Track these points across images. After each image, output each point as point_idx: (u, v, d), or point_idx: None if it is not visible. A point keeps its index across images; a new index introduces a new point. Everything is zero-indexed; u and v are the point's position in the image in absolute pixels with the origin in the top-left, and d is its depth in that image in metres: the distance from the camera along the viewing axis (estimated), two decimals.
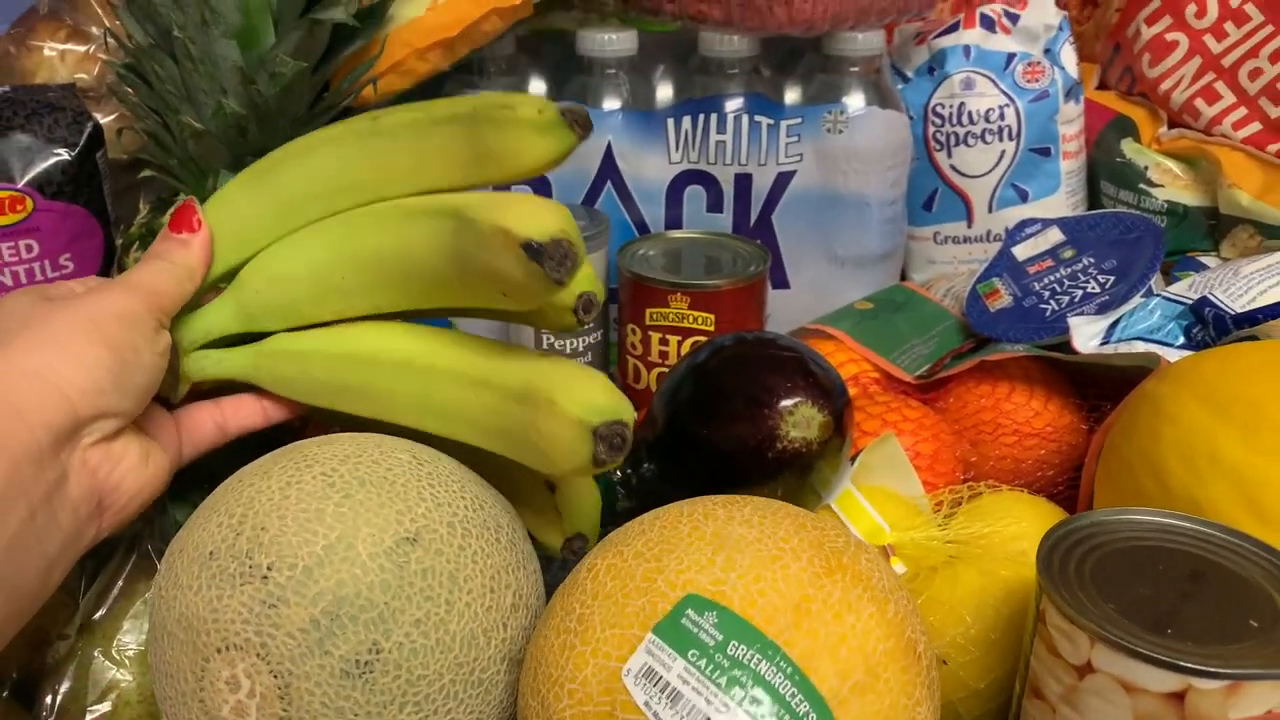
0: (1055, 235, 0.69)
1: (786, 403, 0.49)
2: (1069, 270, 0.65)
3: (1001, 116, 0.74)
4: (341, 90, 0.58)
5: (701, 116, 0.68)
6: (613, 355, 0.69)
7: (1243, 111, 0.69)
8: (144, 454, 0.42)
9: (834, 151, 0.68)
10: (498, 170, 0.45)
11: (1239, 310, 0.54)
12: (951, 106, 0.74)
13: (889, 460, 0.54)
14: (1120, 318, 0.60)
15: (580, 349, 0.67)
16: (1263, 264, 0.58)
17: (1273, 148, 0.68)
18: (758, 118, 0.68)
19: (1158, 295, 0.59)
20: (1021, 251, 0.69)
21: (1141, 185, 0.73)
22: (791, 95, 0.69)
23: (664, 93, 0.69)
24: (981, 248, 0.77)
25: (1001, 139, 0.74)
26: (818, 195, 0.69)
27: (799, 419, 0.49)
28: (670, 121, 0.68)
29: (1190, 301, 0.57)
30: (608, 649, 0.35)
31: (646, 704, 0.33)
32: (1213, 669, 0.32)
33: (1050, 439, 0.59)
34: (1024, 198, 0.76)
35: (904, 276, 0.80)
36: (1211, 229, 0.70)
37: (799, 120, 0.68)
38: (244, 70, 0.53)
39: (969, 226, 0.77)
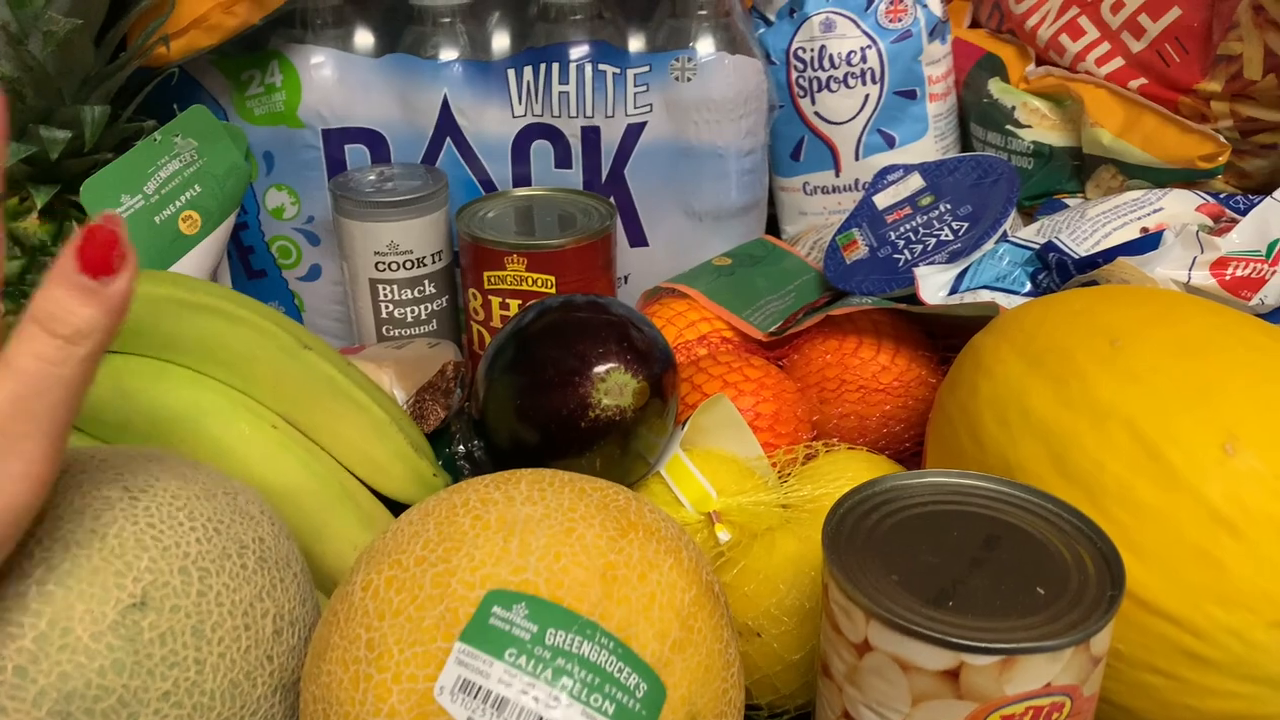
0: (916, 182, 0.67)
1: (599, 370, 0.47)
2: (925, 218, 0.63)
3: (863, 59, 0.71)
4: (136, 49, 0.54)
5: (543, 67, 0.65)
6: (464, 321, 0.66)
7: (1106, 47, 0.67)
8: None
9: (684, 101, 0.65)
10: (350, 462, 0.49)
11: (1082, 254, 0.52)
12: (812, 50, 0.71)
13: (723, 422, 0.52)
14: (969, 266, 0.57)
15: (424, 316, 0.64)
16: (1109, 205, 0.56)
17: (1135, 84, 0.65)
18: (602, 66, 0.65)
19: (1007, 241, 0.57)
20: (882, 200, 0.67)
21: (1008, 126, 0.71)
22: (638, 42, 0.66)
23: (503, 42, 0.65)
24: (851, 197, 0.75)
25: (864, 82, 0.72)
26: (670, 147, 0.66)
27: (611, 386, 0.46)
28: (511, 73, 0.65)
29: (1037, 247, 0.55)
30: (411, 670, 0.32)
31: (470, 719, 0.31)
32: (984, 644, 0.31)
33: (897, 394, 0.57)
34: (891, 143, 0.73)
35: (777, 230, 0.78)
36: (1077, 170, 0.68)
37: (646, 68, 0.65)
38: (12, 31, 0.49)
39: (837, 175, 0.74)
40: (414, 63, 0.64)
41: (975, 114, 0.74)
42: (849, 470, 0.50)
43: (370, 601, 0.34)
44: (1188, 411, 0.37)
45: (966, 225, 0.61)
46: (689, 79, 0.65)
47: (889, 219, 0.65)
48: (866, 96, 0.72)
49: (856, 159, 0.74)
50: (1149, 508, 0.36)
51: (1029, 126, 0.70)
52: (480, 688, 0.31)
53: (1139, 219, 0.54)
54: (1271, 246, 0.49)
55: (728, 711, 0.35)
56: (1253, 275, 0.48)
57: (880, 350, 0.58)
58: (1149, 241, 0.50)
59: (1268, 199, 0.51)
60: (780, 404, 0.55)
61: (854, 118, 0.73)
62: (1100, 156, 0.66)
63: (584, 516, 0.36)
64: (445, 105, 0.65)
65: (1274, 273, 0.48)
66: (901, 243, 0.62)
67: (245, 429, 0.47)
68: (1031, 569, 0.33)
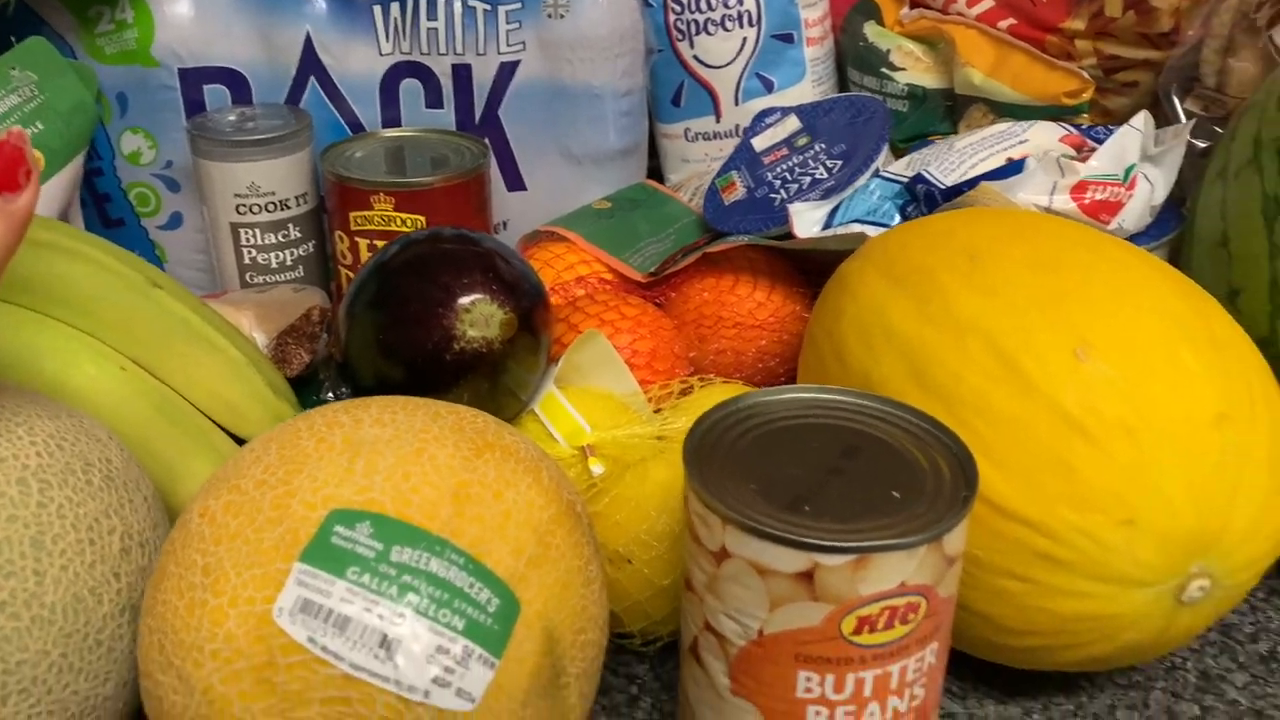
0: (792, 124, 0.66)
1: (463, 300, 0.45)
2: (801, 158, 0.63)
3: (740, 1, 0.70)
4: None
5: (411, 2, 0.63)
6: (332, 267, 0.64)
7: None
8: None
9: (558, 39, 0.64)
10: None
11: (949, 184, 0.53)
12: None
13: (599, 359, 0.51)
14: (842, 202, 0.58)
15: (289, 262, 0.62)
16: (976, 138, 0.57)
17: (1003, 24, 0.66)
18: (473, 3, 0.63)
19: (878, 176, 0.58)
20: (760, 142, 0.67)
21: (883, 69, 0.71)
22: None
23: None
24: (732, 143, 0.74)
25: (742, 25, 0.71)
26: (545, 87, 0.65)
27: (476, 317, 0.45)
28: (377, 9, 0.63)
29: (906, 180, 0.56)
30: (250, 593, 0.31)
31: (311, 639, 0.29)
32: (835, 544, 0.30)
33: (772, 329, 0.57)
34: (770, 88, 0.73)
35: (661, 177, 0.77)
36: (950, 111, 0.69)
37: (518, 5, 0.63)
38: None
39: (718, 121, 0.74)
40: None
41: (852, 58, 0.74)
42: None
43: (207, 527, 0.32)
44: (1041, 321, 0.37)
45: (840, 163, 0.61)
46: (562, 16, 0.64)
47: (766, 160, 0.65)
48: (744, 40, 0.72)
49: (736, 104, 0.73)
50: (1005, 416, 0.36)
51: (903, 69, 0.71)
52: (321, 607, 0.30)
53: (1004, 150, 0.55)
54: (1128, 171, 0.50)
55: (587, 626, 0.34)
56: (1110, 199, 0.49)
57: (756, 288, 0.58)
58: (1012, 168, 0.51)
59: (1125, 126, 0.52)
60: (657, 341, 0.55)
61: (732, 61, 0.72)
62: (971, 96, 0.67)
63: (436, 438, 0.34)
64: (309, 43, 0.62)
65: (1130, 196, 0.49)
66: (778, 183, 0.62)
67: (91, 369, 0.45)
68: (888, 475, 0.34)
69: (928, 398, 0.38)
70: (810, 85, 0.74)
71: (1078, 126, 0.56)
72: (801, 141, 0.65)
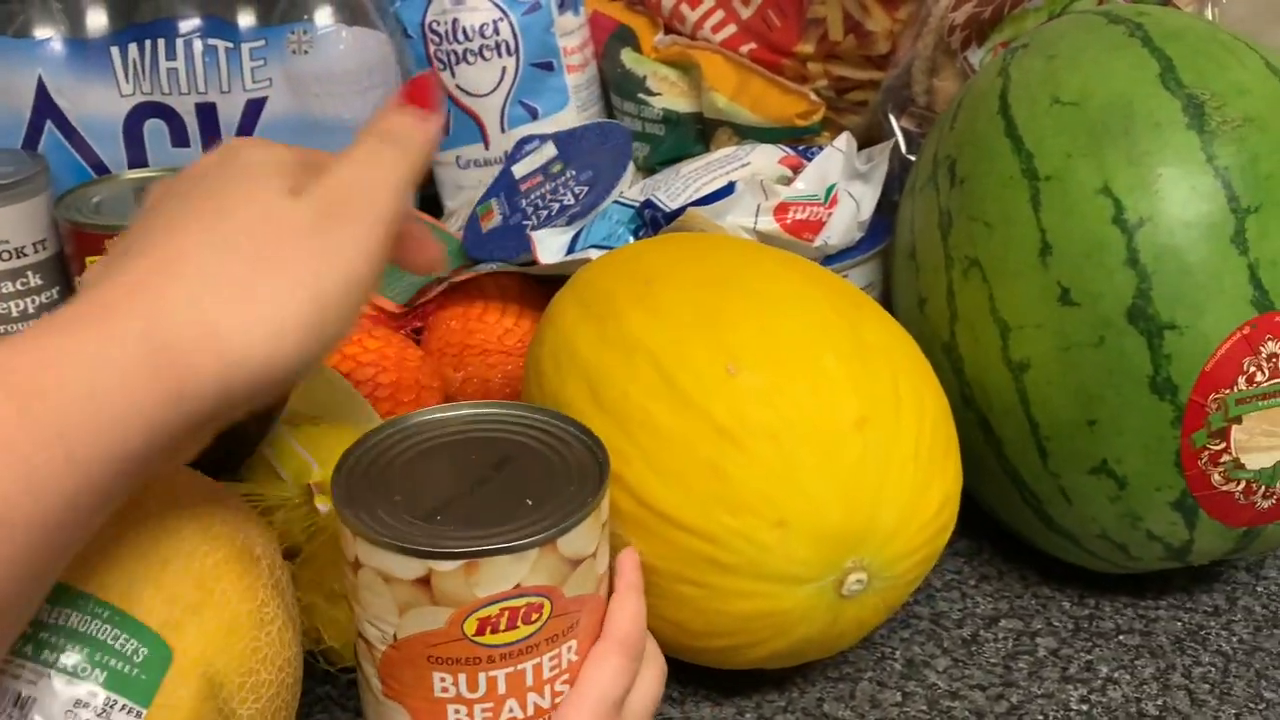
0: (549, 151, 0.68)
1: None
2: (554, 185, 0.65)
3: (496, 31, 0.72)
4: None
5: (149, 43, 0.62)
6: None
7: (720, 15, 0.71)
8: None
9: (304, 74, 0.64)
10: None
11: (673, 208, 0.55)
12: (446, 23, 0.72)
13: (334, 395, 0.51)
14: (584, 227, 0.59)
15: (31, 310, 0.61)
16: (702, 162, 0.59)
17: (745, 48, 0.69)
18: (213, 41, 0.63)
19: (617, 202, 0.60)
20: (519, 169, 0.68)
21: (640, 95, 0.73)
22: (252, 16, 0.64)
23: (104, 19, 0.62)
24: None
25: (500, 55, 0.73)
26: (295, 122, 0.65)
27: None
28: (115, 50, 0.62)
29: (638, 205, 0.58)
30: None
31: None
32: (446, 550, 0.32)
33: (518, 355, 0.58)
34: (534, 115, 0.74)
35: (439, 205, 0.78)
36: (700, 134, 0.72)
37: (262, 42, 0.64)
38: None
39: (486, 149, 0.75)
40: (3, 42, 0.61)
41: (613, 84, 0.76)
42: None
43: None
44: (698, 339, 0.40)
45: (586, 189, 0.63)
46: (306, 51, 0.64)
47: (523, 187, 0.66)
48: (504, 69, 0.73)
49: (503, 131, 0.74)
50: (666, 430, 0.38)
51: (659, 94, 0.73)
52: None
53: (727, 173, 0.57)
54: (829, 190, 0.53)
55: (260, 667, 0.34)
56: (811, 219, 0.52)
57: (505, 314, 0.59)
58: (723, 192, 0.53)
59: (829, 147, 0.55)
60: (401, 373, 0.56)
61: (494, 90, 0.73)
62: (717, 120, 0.69)
63: None
64: (41, 86, 0.61)
65: (830, 215, 0.52)
66: (531, 210, 0.64)
67: None
68: (532, 484, 0.35)
69: (603, 416, 0.40)
70: (575, 111, 0.75)
71: (795, 148, 0.59)
72: (556, 169, 0.67)
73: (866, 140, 0.64)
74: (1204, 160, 0.42)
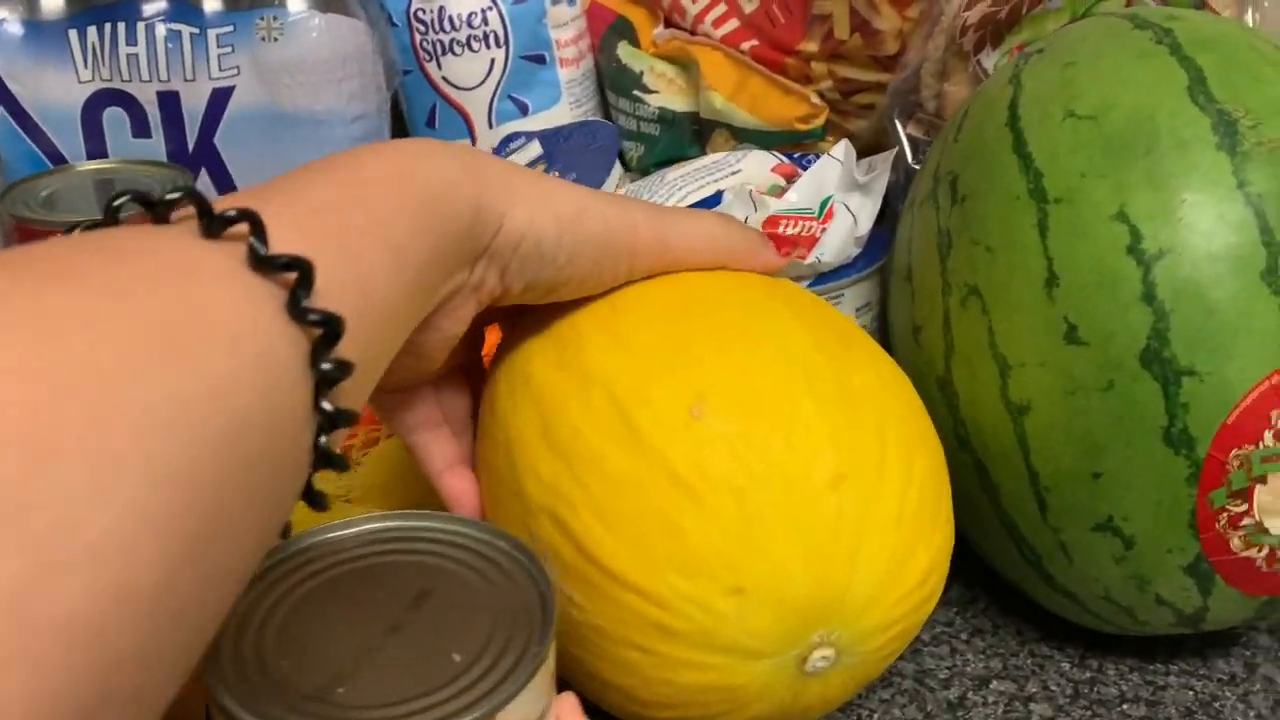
0: (534, 150, 0.64)
1: None
2: None
3: (485, 21, 0.68)
4: None
5: (109, 26, 0.59)
6: None
7: (722, 8, 0.66)
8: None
9: (274, 63, 0.61)
10: None
11: None
12: (431, 11, 0.68)
13: None
14: None
15: None
16: (690, 168, 0.55)
17: (747, 45, 0.65)
18: (177, 26, 0.59)
19: None
20: None
21: (635, 92, 0.69)
22: (219, 0, 0.61)
23: (61, 0, 0.59)
24: None
25: (489, 46, 0.69)
26: (265, 113, 0.62)
27: None
28: (73, 34, 0.59)
29: None
30: None
31: None
32: None
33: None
34: (525, 110, 0.70)
35: None
36: (697, 135, 0.67)
37: (230, 29, 0.60)
38: None
39: (474, 144, 0.71)
40: None
41: (608, 80, 0.72)
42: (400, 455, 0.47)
43: None
44: (661, 374, 0.35)
45: None
46: (276, 39, 0.60)
47: None
48: (492, 61, 0.69)
49: (491, 126, 0.71)
50: (618, 474, 0.34)
51: (656, 92, 0.69)
52: None
53: (716, 181, 0.53)
54: (823, 204, 0.49)
55: None
56: (803, 233, 0.47)
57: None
58: (709, 202, 0.49)
59: (825, 156, 0.50)
60: None
61: (482, 83, 0.69)
62: (714, 121, 0.65)
63: None
64: None
65: (824, 230, 0.48)
66: None
67: None
68: (457, 629, 0.29)
69: (552, 454, 0.36)
70: (568, 108, 0.71)
71: (789, 155, 0.55)
72: (540, 168, 0.63)
73: (874, 148, 0.60)
74: (1234, 185, 0.38)
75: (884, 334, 0.51)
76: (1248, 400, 0.37)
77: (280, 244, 0.26)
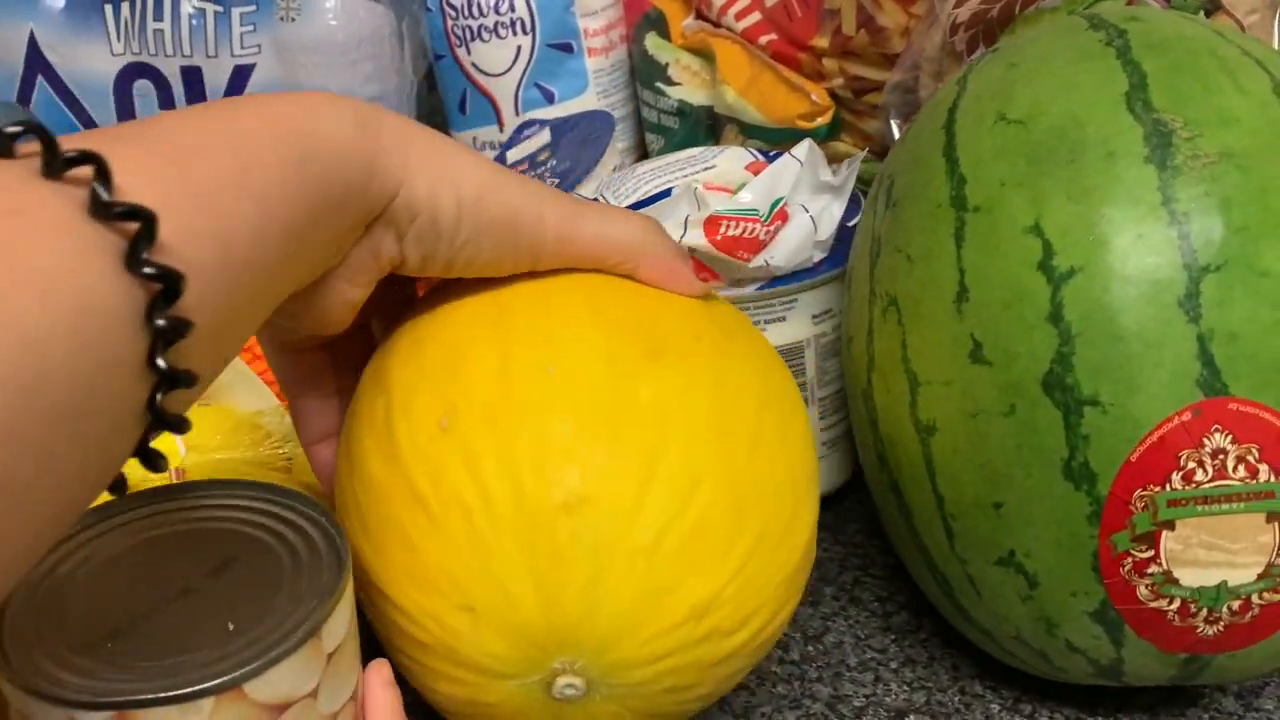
0: (544, 138, 0.64)
1: None
2: (537, 173, 0.61)
3: (511, 8, 0.68)
4: None
5: (139, 2, 0.62)
6: None
7: (745, 0, 0.65)
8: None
9: (291, 42, 0.62)
10: None
11: None
12: None
13: (228, 374, 0.49)
14: None
15: None
16: (663, 162, 0.54)
17: (765, 39, 0.63)
18: (201, 4, 0.62)
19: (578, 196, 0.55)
20: (514, 154, 0.65)
21: (658, 84, 0.68)
22: None
23: None
24: None
25: (515, 33, 0.69)
26: (282, 91, 0.63)
27: None
28: (109, 7, 0.62)
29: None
30: None
31: None
32: (85, 698, 0.26)
33: None
34: (551, 99, 0.70)
35: None
36: (710, 130, 0.66)
37: (252, 7, 0.62)
38: None
39: (500, 131, 0.72)
40: None
41: (638, 71, 0.71)
42: None
43: None
44: (427, 383, 0.34)
45: (558, 181, 0.59)
46: (293, 19, 0.62)
47: None
48: (519, 48, 0.69)
49: (517, 113, 0.71)
50: (376, 485, 0.33)
51: (679, 84, 0.68)
52: None
53: (683, 176, 0.52)
54: (773, 206, 0.47)
55: None
56: (746, 235, 0.46)
57: None
58: (659, 196, 0.48)
59: (785, 156, 0.48)
60: None
61: (509, 70, 0.70)
62: (727, 116, 0.63)
63: None
64: (33, 41, 0.62)
65: (771, 233, 0.46)
66: None
67: None
68: (246, 598, 0.29)
69: (346, 463, 0.35)
70: (595, 97, 0.71)
71: (765, 154, 0.53)
72: (543, 156, 0.63)
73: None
74: (1159, 202, 0.34)
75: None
76: (1153, 437, 0.34)
77: (130, 191, 0.24)
